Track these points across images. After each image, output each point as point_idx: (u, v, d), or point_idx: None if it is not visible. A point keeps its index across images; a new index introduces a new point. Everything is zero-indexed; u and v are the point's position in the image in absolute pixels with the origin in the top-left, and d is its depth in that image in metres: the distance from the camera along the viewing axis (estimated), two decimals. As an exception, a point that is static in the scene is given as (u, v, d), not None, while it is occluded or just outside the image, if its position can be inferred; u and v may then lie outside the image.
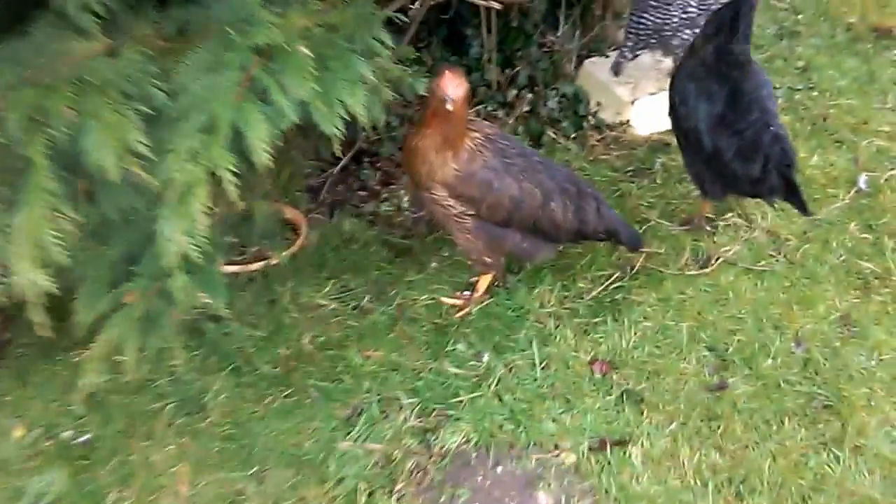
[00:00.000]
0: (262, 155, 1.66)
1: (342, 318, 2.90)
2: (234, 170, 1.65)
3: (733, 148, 2.78)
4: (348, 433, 2.54)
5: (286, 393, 2.66)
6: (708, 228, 3.20)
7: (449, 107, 2.44)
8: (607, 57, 3.99)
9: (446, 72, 2.47)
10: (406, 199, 3.38)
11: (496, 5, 3.20)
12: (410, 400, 2.62)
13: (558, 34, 3.93)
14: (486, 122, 2.86)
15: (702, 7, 3.45)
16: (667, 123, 3.73)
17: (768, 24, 4.54)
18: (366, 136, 3.57)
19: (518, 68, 3.90)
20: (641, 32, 3.50)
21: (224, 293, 2.26)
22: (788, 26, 4.58)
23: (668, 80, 3.81)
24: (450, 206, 2.64)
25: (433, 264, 3.10)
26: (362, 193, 3.49)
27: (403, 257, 3.13)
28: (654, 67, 3.93)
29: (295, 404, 2.63)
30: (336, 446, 2.51)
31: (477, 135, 2.62)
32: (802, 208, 2.81)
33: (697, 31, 3.47)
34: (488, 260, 2.79)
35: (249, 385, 2.69)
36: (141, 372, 2.70)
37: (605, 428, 2.53)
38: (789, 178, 2.73)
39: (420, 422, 2.57)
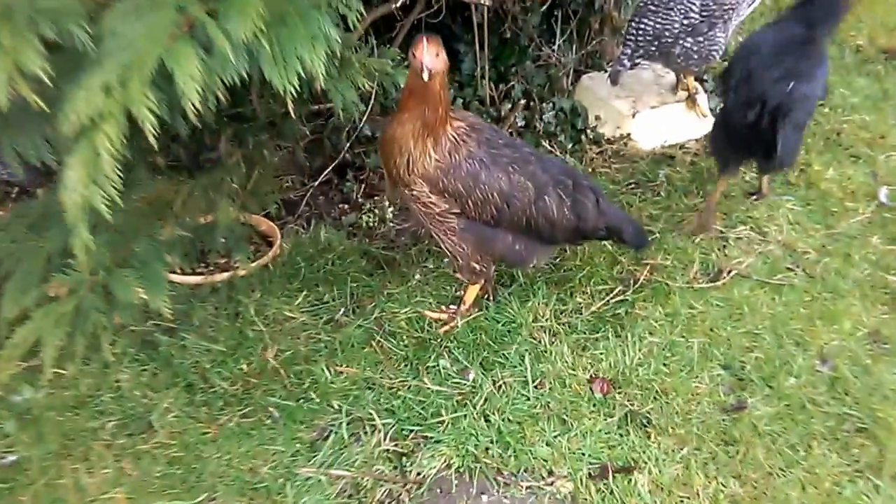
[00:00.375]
0: (193, 95, 1.41)
1: (312, 332, 2.60)
2: (156, 111, 1.40)
3: (743, 97, 2.68)
4: (312, 458, 2.23)
5: (243, 412, 2.35)
6: (720, 230, 2.94)
7: (425, 76, 2.19)
8: (606, 72, 3.80)
9: (423, 40, 2.21)
10: (390, 209, 3.13)
11: (486, 1, 3.02)
12: (385, 420, 2.31)
13: (554, 47, 3.75)
14: (470, 112, 2.63)
15: (704, 13, 3.27)
16: (670, 136, 3.54)
17: (773, 46, 4.36)
18: (349, 147, 3.36)
19: (512, 83, 3.72)
20: (640, 39, 3.31)
21: (164, 292, 1.98)
22: (794, 49, 4.41)
23: (670, 95, 3.65)
24: (432, 203, 2.39)
25: (416, 276, 2.82)
26: (344, 206, 3.25)
27: (384, 269, 2.86)
28: (656, 82, 3.74)
29: (253, 425, 2.32)
30: (297, 472, 2.18)
31: (460, 124, 2.38)
32: (773, 149, 2.62)
33: (700, 38, 3.30)
34: (477, 266, 2.51)
35: (203, 403, 2.37)
36: (82, 386, 2.42)
37: (606, 453, 2.20)
38: (776, 118, 2.60)
39: (395, 445, 2.25)
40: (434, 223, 2.44)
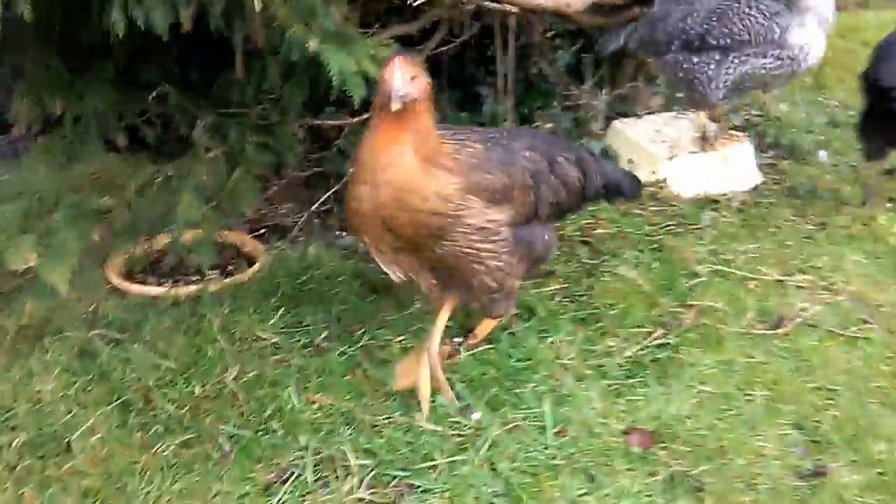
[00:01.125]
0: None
1: (285, 355, 2.15)
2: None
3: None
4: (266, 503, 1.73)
5: (186, 441, 1.87)
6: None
7: (394, 105, 1.73)
8: (639, 117, 3.50)
9: (395, 59, 1.76)
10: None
11: (513, 9, 2.76)
12: (362, 462, 1.82)
13: (583, 86, 3.47)
14: None
15: (704, 26, 2.92)
16: (710, 186, 3.16)
17: (818, 114, 4.08)
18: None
19: (538, 124, 3.42)
20: (640, 18, 3.09)
21: (64, 266, 1.59)
22: (842, 119, 4.12)
23: (711, 143, 3.30)
24: (490, 221, 1.91)
25: (417, 304, 2.38)
26: (342, 233, 2.86)
27: (379, 294, 2.43)
28: (695, 130, 3.42)
29: (196, 457, 1.83)
30: (243, 520, 1.69)
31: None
32: None
33: (694, 58, 3.00)
34: (517, 285, 2.07)
35: (139, 427, 1.91)
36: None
37: (647, 520, 1.69)
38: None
39: (372, 493, 1.76)
40: (485, 252, 1.93)
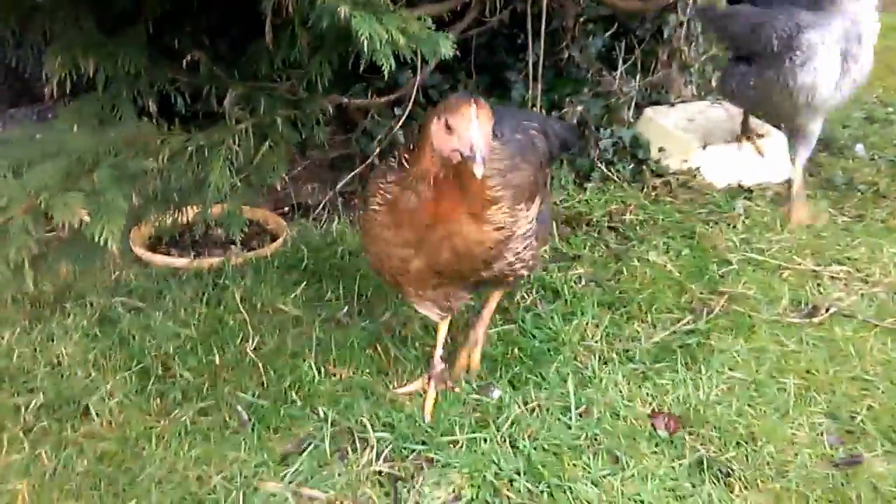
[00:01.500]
0: None
1: (306, 328, 2.12)
2: None
3: None
4: (281, 473, 1.70)
5: (204, 408, 1.85)
6: (812, 268, 2.45)
7: (478, 171, 1.47)
8: (672, 105, 3.43)
9: (471, 106, 1.49)
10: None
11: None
12: (381, 435, 1.78)
13: (615, 73, 3.40)
14: None
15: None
16: (745, 177, 3.08)
17: (855, 109, 3.97)
18: (379, 153, 2.99)
19: (567, 110, 3.36)
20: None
21: (118, 223, 1.55)
22: (879, 116, 4.02)
23: (748, 134, 3.20)
24: (530, 222, 1.84)
25: (440, 283, 2.35)
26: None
27: (403, 271, 2.40)
28: (728, 120, 3.34)
29: (213, 425, 1.81)
30: (259, 488, 1.66)
31: None
32: None
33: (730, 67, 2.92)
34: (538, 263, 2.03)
35: (157, 393, 1.89)
36: (15, 356, 1.97)
37: (673, 504, 1.63)
38: None
39: (390, 466, 1.72)
40: (524, 249, 1.84)
